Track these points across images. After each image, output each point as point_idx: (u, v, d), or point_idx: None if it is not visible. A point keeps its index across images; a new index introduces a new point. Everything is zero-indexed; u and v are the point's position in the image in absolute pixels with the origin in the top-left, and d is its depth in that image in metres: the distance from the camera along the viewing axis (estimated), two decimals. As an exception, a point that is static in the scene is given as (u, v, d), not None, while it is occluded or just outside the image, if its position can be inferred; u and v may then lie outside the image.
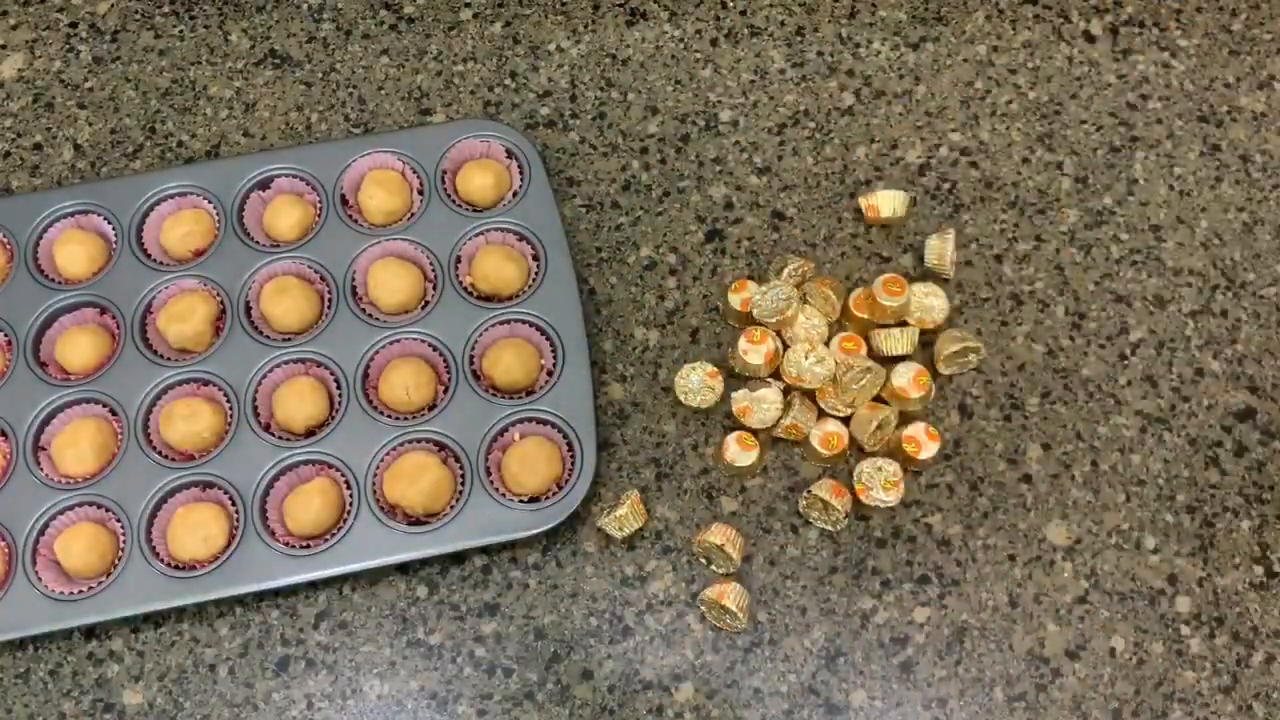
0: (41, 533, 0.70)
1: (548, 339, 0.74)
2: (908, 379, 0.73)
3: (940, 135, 0.84)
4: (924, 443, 0.72)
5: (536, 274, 0.76)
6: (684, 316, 0.78)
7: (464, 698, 0.68)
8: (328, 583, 0.70)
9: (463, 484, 0.70)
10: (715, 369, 0.74)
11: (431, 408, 0.73)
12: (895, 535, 0.71)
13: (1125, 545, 0.71)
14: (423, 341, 0.75)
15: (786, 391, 0.73)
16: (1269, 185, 0.82)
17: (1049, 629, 0.69)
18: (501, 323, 0.75)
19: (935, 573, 0.70)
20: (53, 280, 0.77)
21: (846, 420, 0.73)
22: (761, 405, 0.73)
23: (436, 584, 0.71)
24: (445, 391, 0.73)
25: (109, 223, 0.79)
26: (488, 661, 0.68)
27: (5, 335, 0.75)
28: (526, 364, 0.73)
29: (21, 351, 0.74)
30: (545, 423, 0.72)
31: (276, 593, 0.70)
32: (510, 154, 0.81)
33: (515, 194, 0.79)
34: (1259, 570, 0.70)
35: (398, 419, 0.72)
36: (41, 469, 0.71)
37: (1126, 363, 0.76)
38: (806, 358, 0.73)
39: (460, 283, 0.77)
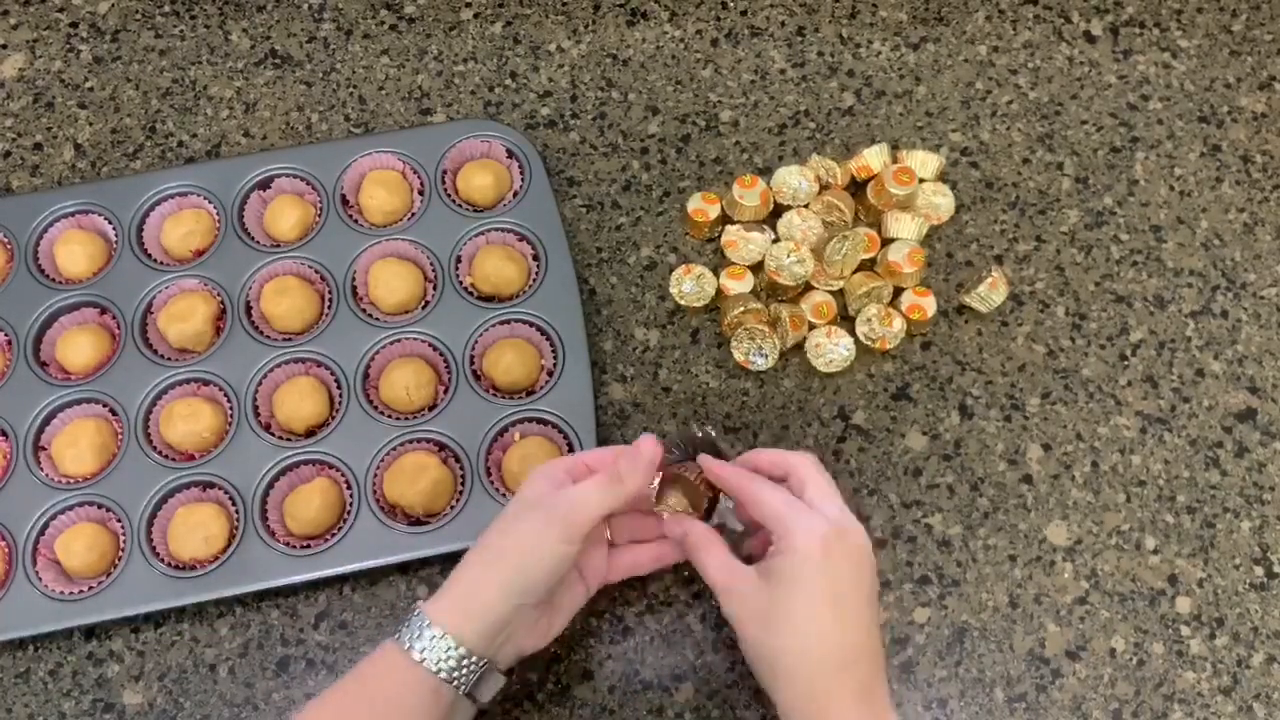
0: (42, 533, 0.69)
1: (548, 339, 0.74)
2: (902, 255, 0.75)
3: (941, 135, 0.84)
4: (921, 304, 0.75)
5: (537, 274, 0.76)
6: (684, 317, 0.78)
7: (464, 698, 0.67)
8: (328, 583, 0.70)
9: (463, 484, 0.70)
10: (703, 268, 0.78)
11: (432, 408, 0.73)
12: (895, 535, 0.71)
13: (1125, 546, 0.71)
14: (423, 341, 0.75)
15: (769, 293, 0.77)
16: (1269, 186, 0.82)
17: (1049, 629, 0.69)
18: (502, 323, 0.75)
19: (935, 573, 0.70)
20: (53, 280, 0.77)
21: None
22: (748, 245, 0.76)
23: (436, 584, 0.70)
24: (445, 391, 0.73)
25: (109, 222, 0.79)
26: (488, 661, 0.68)
27: (6, 335, 0.75)
28: (527, 364, 0.73)
29: (22, 351, 0.74)
30: (545, 423, 0.72)
31: (277, 592, 0.70)
32: (510, 154, 0.81)
33: (515, 194, 0.79)
34: (1259, 571, 0.70)
35: (398, 419, 0.72)
36: (42, 469, 0.71)
37: (1127, 363, 0.76)
38: (789, 256, 0.75)
39: (460, 283, 0.77)
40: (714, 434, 0.63)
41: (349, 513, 0.70)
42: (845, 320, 0.77)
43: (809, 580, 0.55)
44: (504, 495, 0.70)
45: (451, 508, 0.69)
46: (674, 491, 0.62)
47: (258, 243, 0.78)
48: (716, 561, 0.58)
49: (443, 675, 0.55)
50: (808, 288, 0.77)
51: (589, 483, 0.58)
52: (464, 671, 0.56)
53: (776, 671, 0.56)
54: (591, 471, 0.60)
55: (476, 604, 0.57)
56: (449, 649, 0.55)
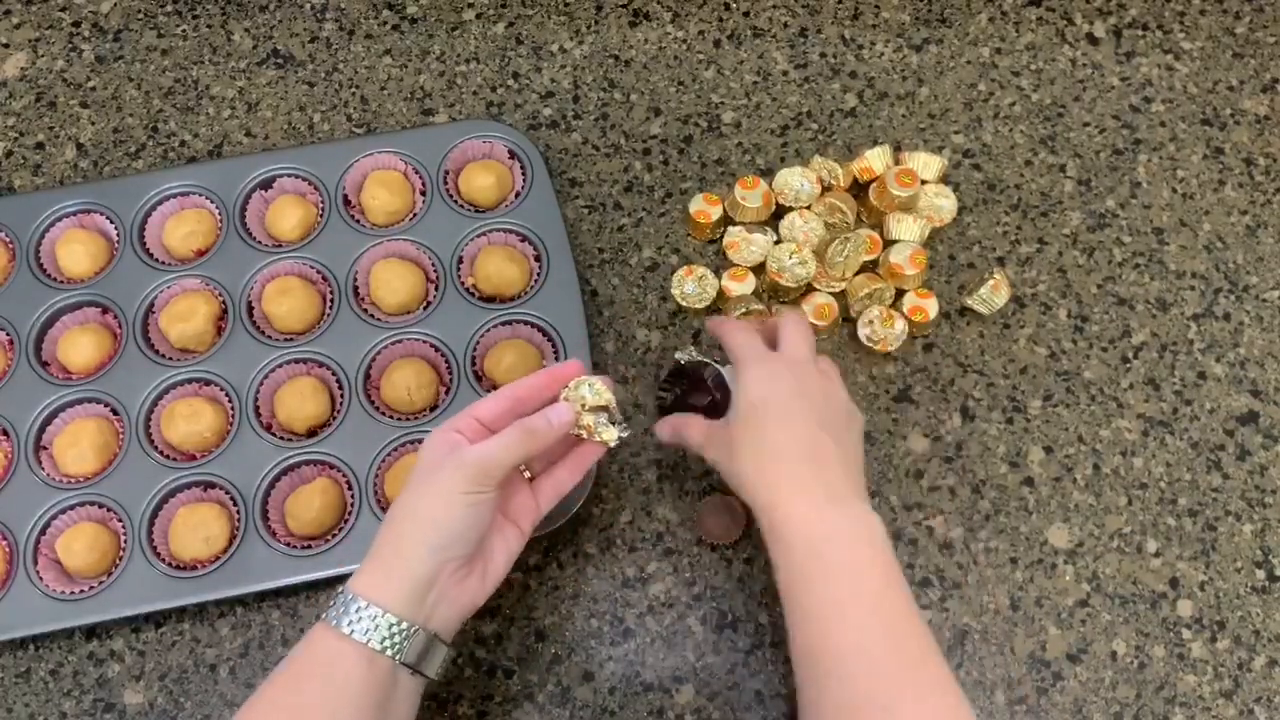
0: (43, 532, 0.70)
1: (549, 340, 0.74)
2: (904, 256, 0.76)
3: (943, 137, 0.84)
4: (923, 305, 0.75)
5: (538, 275, 0.76)
6: (685, 318, 0.78)
7: (465, 699, 0.67)
8: (329, 583, 0.70)
9: (464, 485, 0.70)
10: (705, 269, 0.78)
11: (433, 408, 0.73)
12: (897, 538, 0.71)
13: (1127, 548, 0.71)
14: (424, 342, 0.75)
15: (771, 295, 0.77)
16: (1272, 188, 0.82)
17: (1050, 632, 0.69)
18: (503, 323, 0.75)
19: (937, 575, 0.70)
20: (55, 280, 0.77)
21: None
22: (750, 246, 0.77)
23: (437, 585, 0.70)
24: (447, 392, 0.73)
25: (111, 222, 0.79)
26: (488, 662, 0.68)
27: (7, 334, 0.75)
28: (528, 365, 0.73)
29: (23, 351, 0.74)
30: (547, 424, 0.72)
31: (277, 593, 0.70)
32: (512, 154, 0.81)
33: (517, 195, 0.79)
34: (1260, 574, 0.70)
35: (399, 419, 0.72)
36: (43, 468, 0.71)
37: (1129, 366, 0.76)
38: (791, 257, 0.75)
39: (462, 283, 0.77)
40: (696, 355, 0.68)
41: (350, 513, 0.70)
42: (847, 322, 0.77)
43: (751, 410, 0.61)
44: (505, 496, 0.70)
45: (452, 508, 0.69)
46: (713, 514, 0.70)
47: (259, 243, 0.78)
48: (697, 427, 0.64)
49: (374, 645, 0.54)
50: (809, 289, 0.77)
51: (497, 440, 0.57)
52: (396, 639, 0.55)
53: (742, 483, 0.60)
54: (483, 425, 0.59)
55: (397, 566, 0.56)
56: (376, 617, 0.54)
